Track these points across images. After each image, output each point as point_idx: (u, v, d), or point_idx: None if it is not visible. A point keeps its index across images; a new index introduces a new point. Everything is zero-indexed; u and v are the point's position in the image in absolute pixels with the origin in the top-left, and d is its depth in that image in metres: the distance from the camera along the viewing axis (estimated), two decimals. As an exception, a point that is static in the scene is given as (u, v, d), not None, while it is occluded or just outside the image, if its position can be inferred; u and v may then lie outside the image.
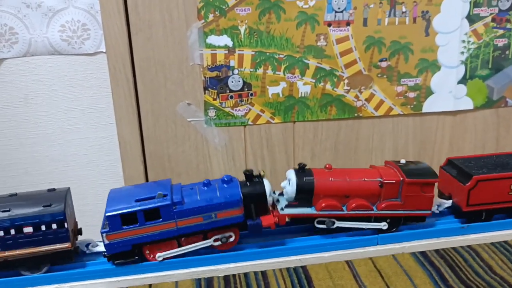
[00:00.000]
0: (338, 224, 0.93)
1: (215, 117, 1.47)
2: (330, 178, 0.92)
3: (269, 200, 0.89)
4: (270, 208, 0.92)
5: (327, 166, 0.94)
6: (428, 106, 1.53)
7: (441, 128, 1.58)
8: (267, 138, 1.52)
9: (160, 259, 0.86)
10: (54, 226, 0.80)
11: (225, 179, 0.89)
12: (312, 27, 1.40)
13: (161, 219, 0.83)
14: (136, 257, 0.85)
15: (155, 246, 0.85)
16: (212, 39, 1.39)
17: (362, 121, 1.54)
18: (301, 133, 1.52)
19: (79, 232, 0.90)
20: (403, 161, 0.97)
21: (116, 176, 1.50)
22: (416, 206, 0.94)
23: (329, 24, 1.41)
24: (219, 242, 0.89)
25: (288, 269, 1.60)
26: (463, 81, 1.52)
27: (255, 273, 1.58)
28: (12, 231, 0.79)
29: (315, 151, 1.55)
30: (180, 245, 0.88)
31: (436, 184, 0.95)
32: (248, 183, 0.90)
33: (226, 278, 1.56)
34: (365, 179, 0.93)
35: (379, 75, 1.48)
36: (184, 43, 1.39)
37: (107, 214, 0.81)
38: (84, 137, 1.46)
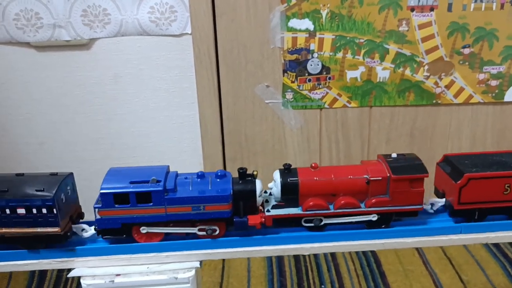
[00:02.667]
0: (326, 221, 0.92)
1: (292, 99, 1.49)
2: (315, 178, 0.90)
3: (259, 200, 0.90)
4: (260, 208, 0.92)
5: (313, 165, 0.92)
6: (511, 95, 1.49)
7: (523, 117, 1.54)
8: (342, 122, 1.53)
9: (144, 231, 0.88)
10: (44, 210, 0.84)
11: (219, 173, 0.90)
12: (395, 12, 1.40)
13: (151, 203, 0.85)
14: (124, 236, 0.89)
15: (146, 226, 0.88)
16: (294, 23, 1.41)
17: (440, 108, 1.52)
18: (377, 118, 1.53)
19: (80, 216, 0.94)
20: (394, 155, 0.94)
21: (196, 153, 1.57)
22: (406, 201, 0.91)
23: (412, 9, 1.40)
24: (203, 233, 0.90)
25: (356, 251, 1.64)
26: (550, 69, 1.47)
27: (325, 255, 1.63)
28: (7, 211, 0.85)
29: (391, 137, 1.55)
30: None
31: (428, 179, 0.92)
32: (240, 180, 0.90)
33: (296, 256, 1.61)
34: (351, 176, 0.91)
35: (460, 62, 1.46)
36: (266, 26, 1.42)
37: (101, 191, 0.85)
38: (167, 115, 1.53)
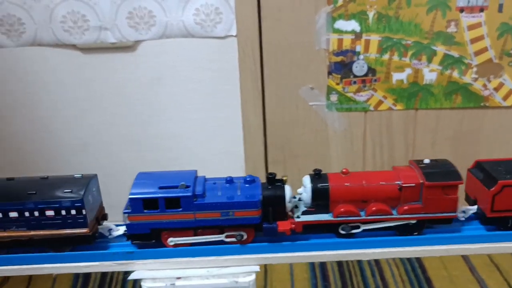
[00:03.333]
0: (362, 227, 0.90)
1: (336, 101, 1.48)
2: (346, 183, 0.89)
3: (288, 206, 0.88)
4: (290, 214, 0.91)
5: (344, 170, 0.91)
6: (562, 97, 1.46)
7: None
8: (387, 125, 1.51)
9: (172, 244, 0.88)
10: (73, 211, 0.85)
11: (248, 179, 0.89)
12: (443, 13, 1.37)
13: (181, 209, 0.85)
14: (153, 241, 0.88)
15: (172, 233, 0.88)
16: (340, 24, 1.40)
17: (487, 111, 1.49)
18: (423, 120, 1.50)
19: (104, 217, 0.94)
20: (427, 160, 0.92)
21: (237, 156, 1.56)
22: (439, 208, 0.88)
23: (462, 10, 1.37)
24: (232, 239, 0.89)
25: (402, 261, 1.61)
26: None
27: (369, 262, 1.61)
28: (36, 213, 0.85)
29: (436, 140, 1.52)
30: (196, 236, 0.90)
31: (463, 186, 0.90)
32: (269, 186, 0.88)
33: (339, 262, 1.59)
34: (383, 182, 0.89)
35: (510, 64, 1.42)
36: (311, 27, 1.40)
37: (130, 196, 0.85)
38: (210, 118, 1.53)
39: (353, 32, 1.40)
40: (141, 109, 1.52)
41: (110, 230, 0.94)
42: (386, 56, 1.42)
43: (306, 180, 0.89)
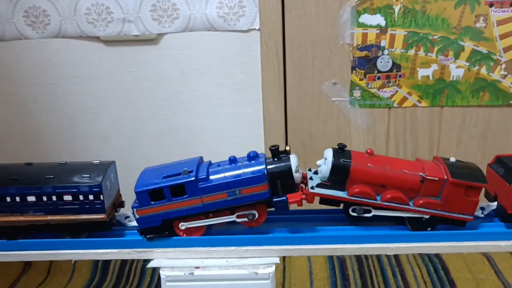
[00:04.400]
0: (374, 212, 0.86)
1: (360, 97, 1.45)
2: (369, 164, 0.85)
3: (296, 176, 0.84)
4: (301, 185, 0.87)
5: (368, 151, 0.87)
6: None
7: None
8: (411, 122, 1.48)
9: (183, 228, 0.87)
10: (91, 197, 0.84)
11: (251, 155, 0.87)
12: (472, 8, 1.34)
13: (187, 195, 0.83)
14: (167, 232, 0.87)
15: (184, 221, 0.86)
16: (365, 18, 1.37)
17: (516, 109, 1.45)
18: (449, 118, 1.46)
19: (121, 205, 0.94)
20: (452, 159, 0.88)
21: (258, 151, 1.53)
22: (457, 209, 0.85)
23: (491, 5, 1.33)
24: (244, 219, 0.86)
25: (422, 256, 1.57)
26: None
27: (388, 257, 1.58)
28: (54, 197, 0.85)
29: (462, 138, 1.48)
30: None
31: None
32: (274, 159, 0.85)
33: (358, 258, 1.57)
34: (406, 171, 0.85)
35: (541, 61, 1.39)
36: (335, 21, 1.38)
37: (136, 191, 0.84)
38: (232, 112, 1.52)
39: (378, 26, 1.38)
40: (162, 103, 1.52)
41: (127, 218, 0.94)
42: (411, 52, 1.39)
43: (328, 153, 0.86)
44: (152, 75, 1.49)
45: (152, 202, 0.84)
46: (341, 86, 1.45)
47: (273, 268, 0.86)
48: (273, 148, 0.85)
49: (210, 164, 0.89)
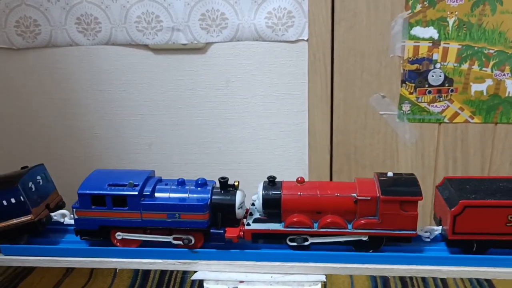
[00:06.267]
0: (311, 240, 0.85)
1: (409, 111, 1.41)
2: (299, 193, 0.85)
3: (238, 212, 0.85)
4: (243, 220, 0.87)
5: (299, 179, 0.86)
6: None
7: None
8: (462, 139, 1.42)
9: (119, 238, 0.87)
10: (13, 200, 0.87)
11: (199, 182, 0.87)
12: (532, 21, 1.28)
13: (127, 208, 0.84)
14: (102, 238, 0.88)
15: (121, 232, 0.87)
16: (417, 31, 1.34)
17: None
18: (503, 136, 1.40)
19: (59, 207, 0.96)
20: (390, 173, 0.87)
21: (302, 163, 1.52)
22: (397, 225, 0.83)
23: (552, 18, 1.28)
24: (179, 242, 0.86)
25: (470, 280, 1.51)
26: None
27: (434, 278, 1.52)
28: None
29: (516, 157, 1.42)
30: None
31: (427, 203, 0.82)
32: (222, 190, 0.86)
33: (402, 279, 1.52)
34: (338, 194, 0.84)
35: None
36: (386, 33, 1.35)
37: (78, 192, 0.85)
38: (276, 122, 1.50)
39: (430, 39, 1.34)
40: (210, 112, 1.52)
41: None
42: (465, 66, 1.34)
43: (259, 187, 0.87)
44: (198, 84, 1.49)
45: (93, 207, 0.86)
46: (389, 100, 1.41)
47: (319, 286, 0.84)
48: (223, 180, 0.86)
49: (159, 180, 0.89)
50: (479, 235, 0.83)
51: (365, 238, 0.85)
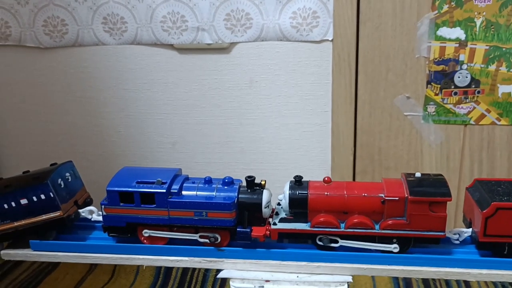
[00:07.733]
0: (341, 243, 0.84)
1: (434, 113, 1.40)
2: (326, 192, 0.84)
3: (265, 211, 0.85)
4: (269, 220, 0.87)
5: (326, 179, 0.86)
6: None
7: None
8: (489, 141, 1.41)
9: (147, 235, 0.88)
10: (42, 196, 0.87)
11: (226, 180, 0.87)
12: (562, 22, 1.26)
13: (155, 205, 0.85)
14: (129, 235, 0.88)
15: (148, 229, 0.88)
16: (443, 31, 1.32)
17: None
18: (530, 138, 1.38)
19: (87, 204, 0.97)
20: (418, 174, 0.85)
21: (325, 164, 1.52)
22: (425, 226, 0.82)
23: None
24: (206, 240, 0.87)
25: (495, 284, 1.49)
26: None
27: (457, 281, 1.50)
28: (13, 204, 0.88)
29: (544, 160, 1.40)
30: None
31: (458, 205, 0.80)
32: (248, 189, 0.86)
33: (425, 281, 1.50)
34: (365, 194, 0.83)
35: None
36: (412, 34, 1.34)
37: (107, 189, 0.86)
38: (299, 123, 1.50)
39: (457, 40, 1.32)
40: (233, 111, 1.52)
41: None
42: (492, 67, 1.33)
43: (286, 186, 0.87)
44: (222, 84, 1.50)
45: (121, 204, 0.86)
46: (414, 101, 1.40)
47: (345, 287, 0.83)
48: (249, 179, 0.87)
49: (186, 178, 0.90)
50: (511, 238, 0.82)
51: (395, 250, 0.84)
